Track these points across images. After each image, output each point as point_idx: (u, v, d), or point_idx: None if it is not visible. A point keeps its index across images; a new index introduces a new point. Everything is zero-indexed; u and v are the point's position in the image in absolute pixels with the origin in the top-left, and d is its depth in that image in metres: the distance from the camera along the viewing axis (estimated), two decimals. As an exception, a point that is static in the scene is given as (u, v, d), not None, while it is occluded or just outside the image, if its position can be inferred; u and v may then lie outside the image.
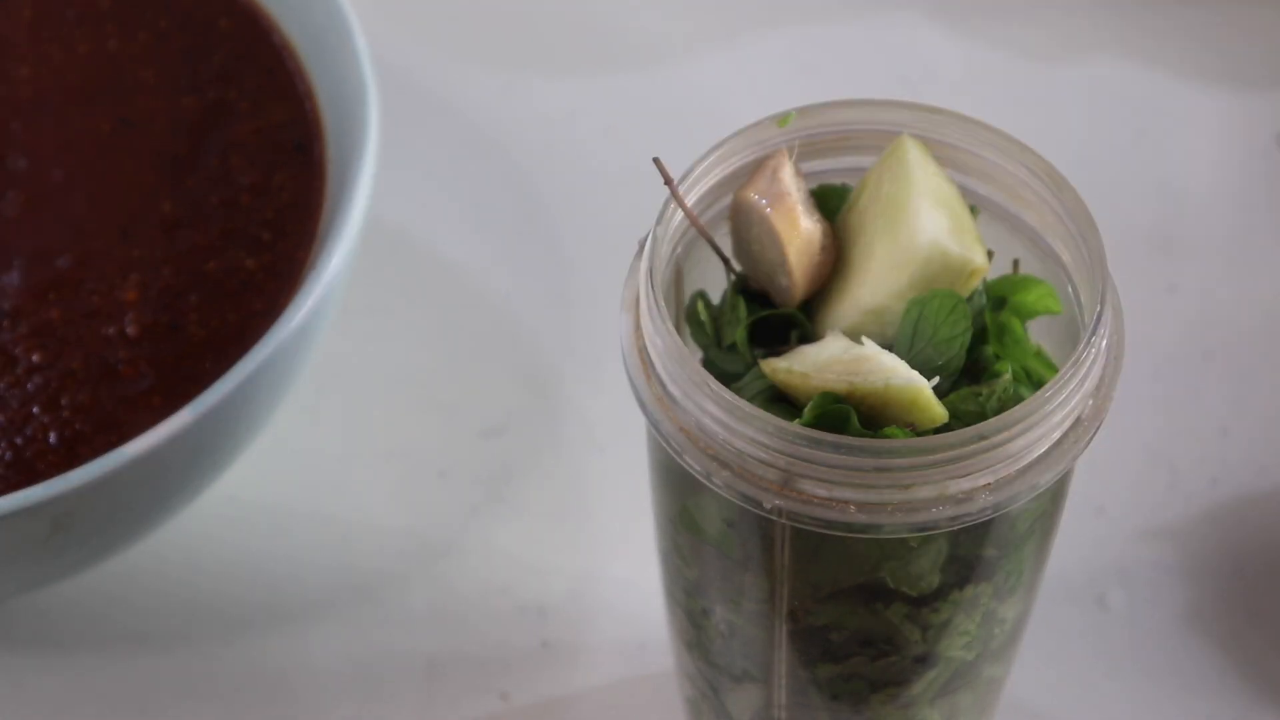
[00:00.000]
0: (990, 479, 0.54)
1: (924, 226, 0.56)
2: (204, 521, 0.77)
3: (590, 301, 0.84)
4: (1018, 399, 0.56)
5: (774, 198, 0.57)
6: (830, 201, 0.59)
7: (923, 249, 0.56)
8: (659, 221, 0.57)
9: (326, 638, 0.75)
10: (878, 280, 0.57)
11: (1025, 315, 0.58)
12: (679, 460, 0.56)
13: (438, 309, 0.85)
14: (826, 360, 0.55)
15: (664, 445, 0.56)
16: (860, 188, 0.59)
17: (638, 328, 0.57)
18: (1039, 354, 0.59)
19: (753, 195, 0.58)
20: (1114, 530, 0.77)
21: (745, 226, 0.58)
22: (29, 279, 0.73)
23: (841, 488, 0.53)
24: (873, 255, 0.57)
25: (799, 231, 0.57)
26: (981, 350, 0.57)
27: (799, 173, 0.58)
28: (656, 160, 0.57)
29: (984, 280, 0.58)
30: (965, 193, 0.58)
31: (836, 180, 0.60)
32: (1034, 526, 0.58)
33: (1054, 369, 0.58)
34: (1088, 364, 0.55)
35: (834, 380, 0.54)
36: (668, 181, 0.57)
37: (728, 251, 0.60)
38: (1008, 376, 0.56)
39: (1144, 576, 0.76)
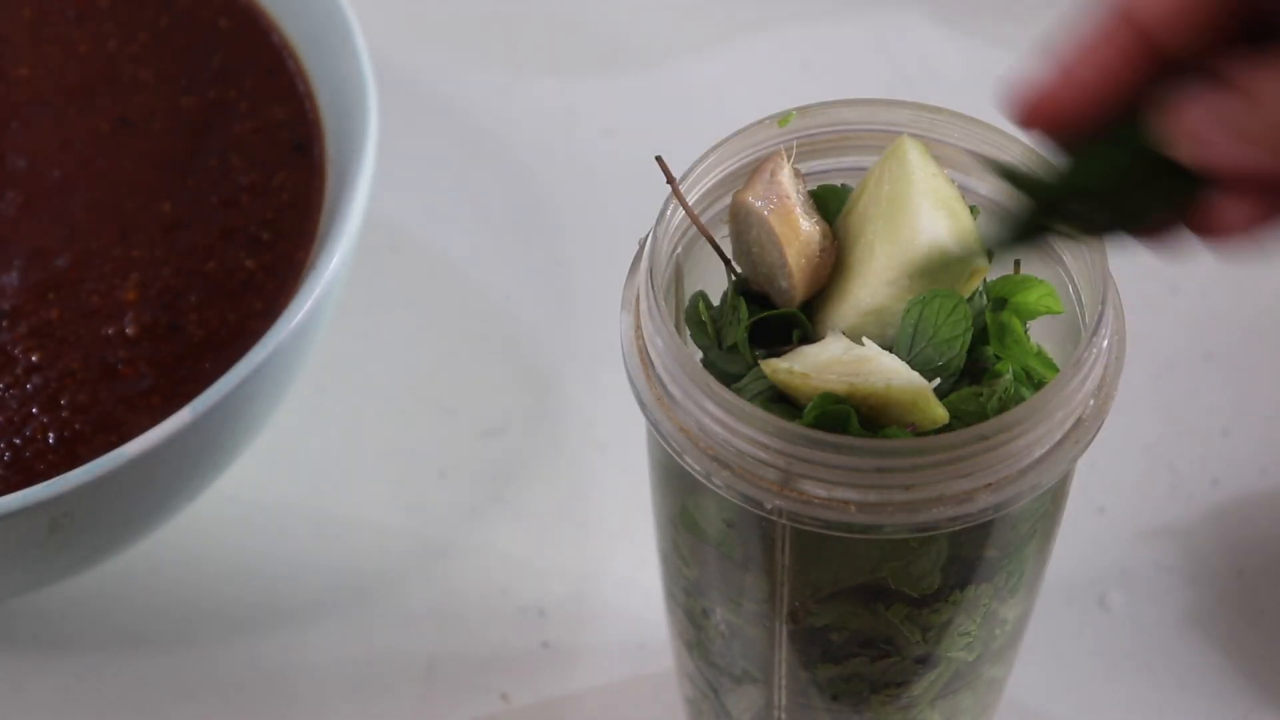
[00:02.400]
0: (991, 479, 0.54)
1: (924, 227, 0.56)
2: (204, 521, 0.77)
3: (590, 301, 0.84)
4: (1018, 399, 0.56)
5: (772, 200, 0.57)
6: (830, 202, 0.59)
7: (923, 249, 0.56)
8: (659, 221, 0.57)
9: (326, 638, 0.75)
10: (878, 281, 0.57)
11: (1026, 316, 0.58)
12: (679, 460, 0.55)
13: (438, 309, 0.84)
14: (827, 361, 0.55)
15: (664, 445, 0.56)
16: (860, 189, 0.59)
17: (638, 328, 0.57)
18: (1039, 354, 0.59)
19: (750, 198, 0.57)
20: (1115, 531, 0.77)
21: (744, 229, 0.58)
22: (28, 279, 0.73)
23: (842, 488, 0.53)
24: (873, 256, 0.57)
25: (797, 233, 0.57)
26: (982, 350, 0.57)
27: (798, 174, 0.58)
28: (659, 159, 0.57)
29: (984, 280, 0.58)
30: (965, 193, 0.58)
31: (836, 180, 0.60)
32: (1035, 527, 0.58)
33: (1055, 369, 0.58)
34: (1089, 364, 0.54)
35: (835, 381, 0.54)
36: (670, 180, 0.57)
37: (729, 252, 0.59)
38: (1008, 377, 0.56)
39: (1145, 577, 0.76)
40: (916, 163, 0.57)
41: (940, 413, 0.54)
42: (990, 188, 0.59)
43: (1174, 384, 0.81)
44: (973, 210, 0.58)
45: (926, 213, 0.56)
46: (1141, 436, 0.79)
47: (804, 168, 0.59)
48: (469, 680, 0.74)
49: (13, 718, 0.74)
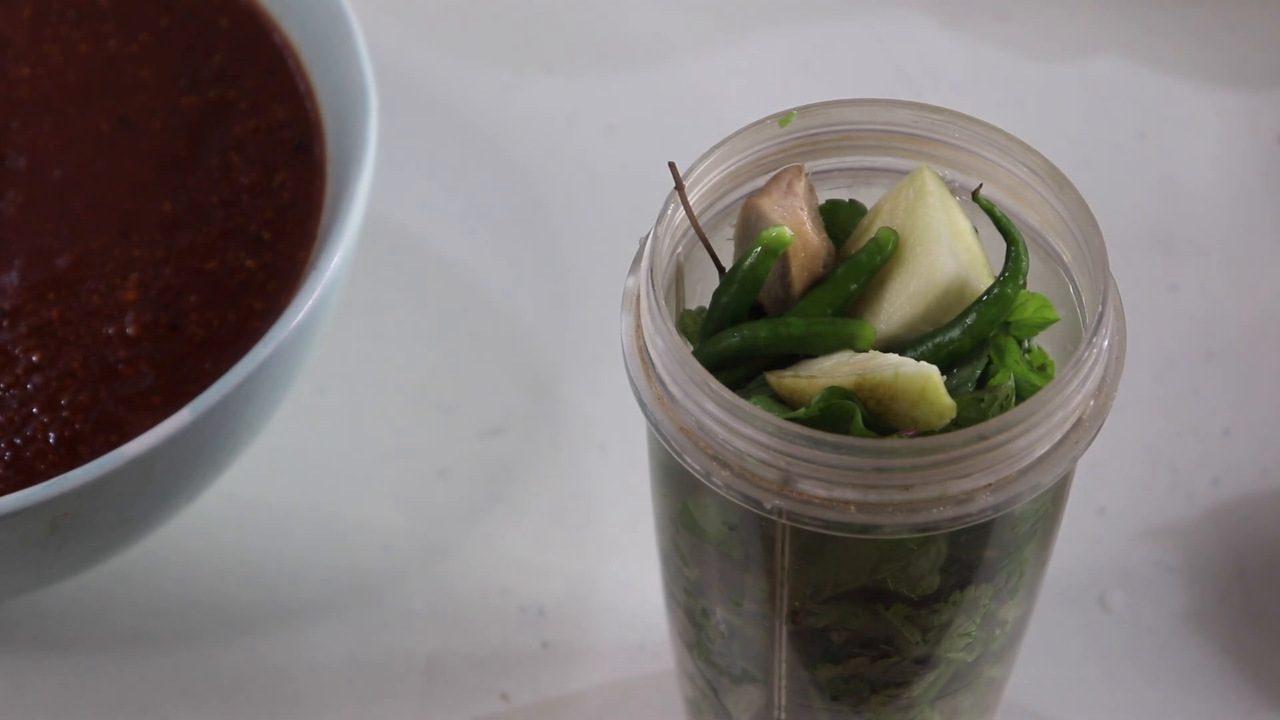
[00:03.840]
0: (991, 479, 0.54)
1: (946, 263, 0.56)
2: (204, 521, 0.77)
3: (590, 301, 0.84)
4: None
5: (785, 210, 0.58)
6: (839, 215, 0.59)
7: (942, 284, 0.56)
8: (659, 221, 0.57)
9: (326, 638, 0.75)
10: (891, 310, 0.57)
11: (1027, 333, 0.58)
12: (679, 460, 0.55)
13: (438, 309, 0.84)
14: (832, 366, 0.55)
15: (664, 445, 0.56)
16: (873, 216, 0.59)
17: (638, 328, 0.57)
18: (1044, 369, 0.59)
19: (765, 203, 0.58)
20: (1115, 531, 0.77)
21: (752, 233, 0.58)
22: (29, 279, 0.73)
23: (842, 488, 0.53)
24: (887, 286, 0.57)
25: (805, 245, 0.57)
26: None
27: (812, 189, 0.58)
28: (672, 165, 0.57)
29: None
30: (965, 191, 0.59)
31: (838, 181, 0.60)
32: (1035, 527, 0.58)
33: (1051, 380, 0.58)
34: (1089, 364, 0.54)
35: (842, 378, 0.54)
36: (679, 187, 0.57)
37: (727, 255, 0.59)
38: (1010, 384, 0.56)
39: (1145, 577, 0.76)
40: (935, 194, 0.57)
41: (948, 401, 0.54)
42: (991, 187, 0.59)
43: (1174, 384, 0.81)
44: (974, 231, 0.58)
45: (947, 248, 0.57)
46: (1142, 436, 0.79)
47: (806, 166, 0.59)
48: (469, 680, 0.74)
49: (13, 718, 0.74)
